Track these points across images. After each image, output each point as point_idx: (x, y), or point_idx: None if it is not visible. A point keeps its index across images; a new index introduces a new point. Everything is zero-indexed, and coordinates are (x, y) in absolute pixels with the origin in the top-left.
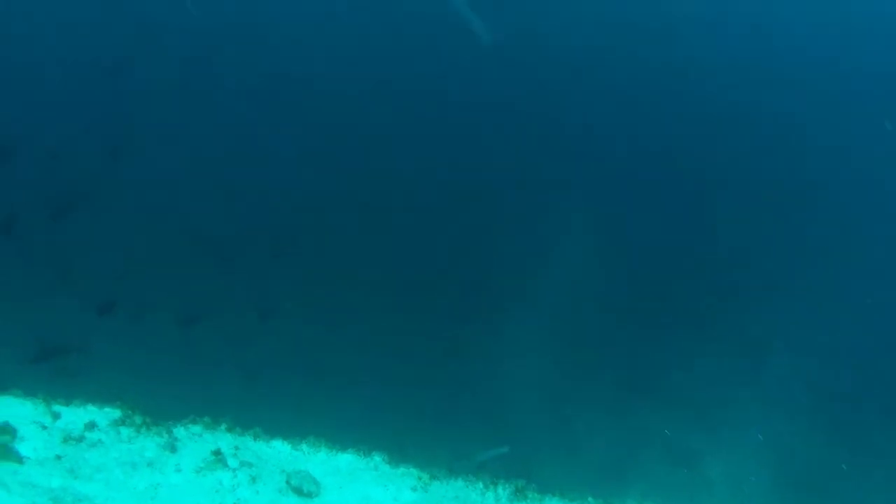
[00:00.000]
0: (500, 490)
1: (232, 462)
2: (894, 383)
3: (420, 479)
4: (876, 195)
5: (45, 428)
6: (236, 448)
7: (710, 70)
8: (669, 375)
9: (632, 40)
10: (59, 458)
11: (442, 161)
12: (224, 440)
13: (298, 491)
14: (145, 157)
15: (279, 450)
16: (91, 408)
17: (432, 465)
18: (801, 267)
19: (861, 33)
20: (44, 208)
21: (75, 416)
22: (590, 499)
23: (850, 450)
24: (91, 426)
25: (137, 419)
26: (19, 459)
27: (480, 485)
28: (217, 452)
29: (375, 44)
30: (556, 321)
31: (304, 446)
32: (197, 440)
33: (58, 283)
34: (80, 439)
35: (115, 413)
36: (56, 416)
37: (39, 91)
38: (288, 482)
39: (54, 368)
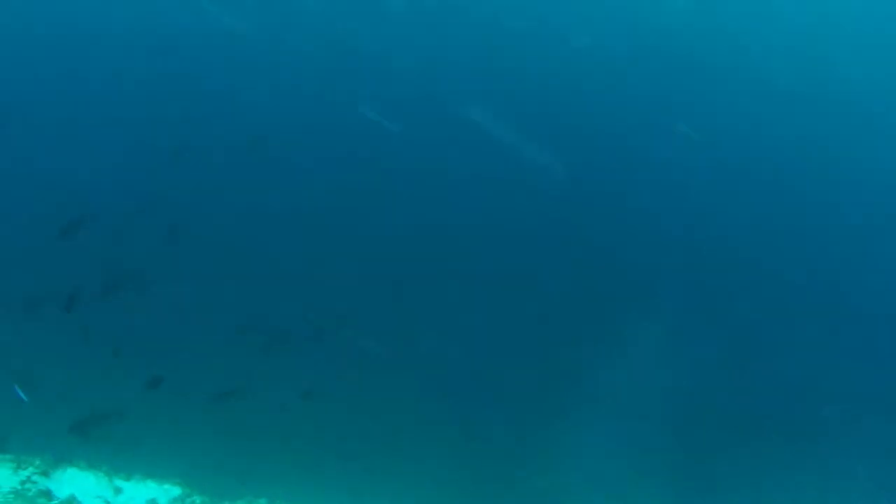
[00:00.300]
0: None
1: None
2: None
3: None
4: None
5: (107, 503)
6: None
7: None
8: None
9: None
10: None
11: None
12: None
13: None
14: (200, 238)
15: None
16: (151, 483)
17: None
18: None
19: None
20: (99, 285)
21: (136, 491)
22: None
23: None
24: (152, 503)
25: (196, 499)
26: None
27: None
28: None
29: None
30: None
31: None
32: None
33: (110, 359)
34: None
35: (175, 490)
36: (118, 490)
37: (104, 170)
38: None
39: (98, 436)
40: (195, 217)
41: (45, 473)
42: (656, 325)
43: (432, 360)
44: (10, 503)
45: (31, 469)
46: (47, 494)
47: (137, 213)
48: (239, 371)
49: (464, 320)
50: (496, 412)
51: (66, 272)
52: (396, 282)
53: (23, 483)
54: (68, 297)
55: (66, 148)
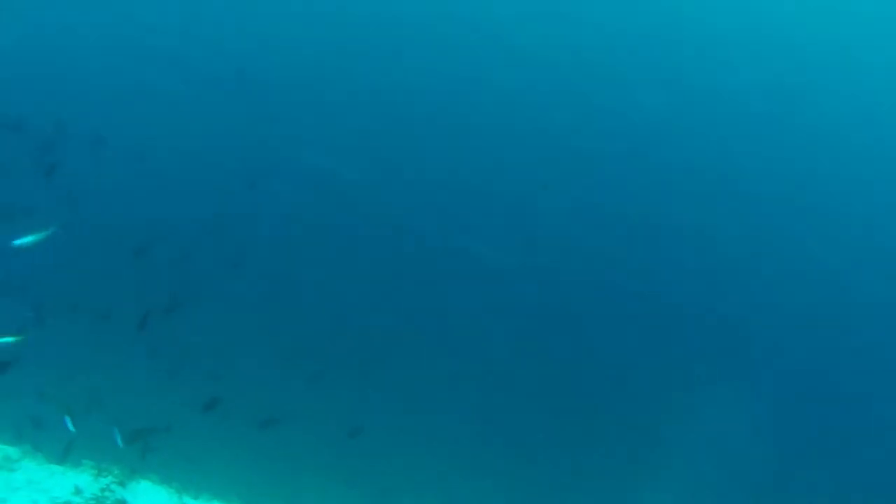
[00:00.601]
0: None
1: None
2: None
3: None
4: None
5: None
6: None
7: None
8: None
9: None
10: None
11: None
12: None
13: None
14: (260, 270)
15: None
16: (216, 503)
17: None
18: None
19: None
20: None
21: None
22: None
23: None
24: None
25: None
26: None
27: None
28: None
29: None
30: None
31: None
32: None
33: (167, 375)
34: None
35: None
36: None
37: (177, 198)
38: None
39: (143, 449)
40: (260, 247)
41: (121, 483)
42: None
43: (485, 403)
44: None
45: (110, 478)
46: None
47: (206, 239)
48: (287, 399)
49: (521, 363)
50: (549, 454)
51: (137, 290)
52: (452, 320)
53: (102, 490)
54: (142, 315)
55: (153, 174)
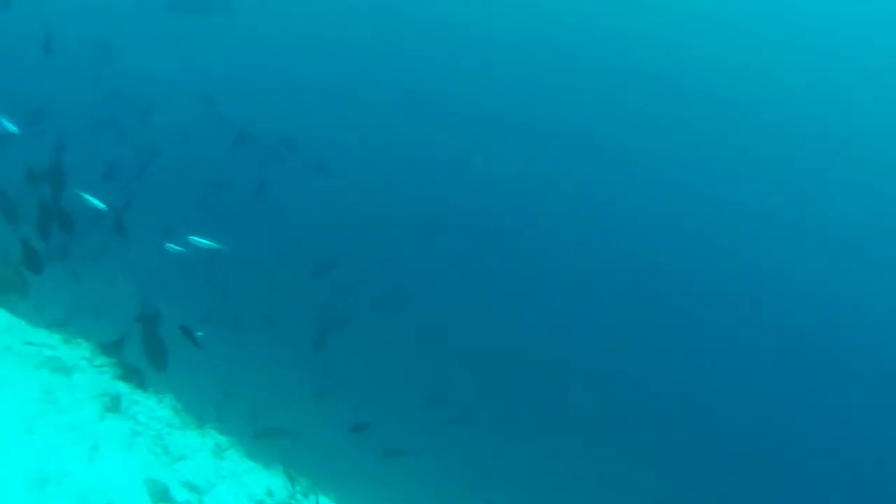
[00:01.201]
0: None
1: None
2: None
3: None
4: None
5: None
6: None
7: None
8: None
9: None
10: None
11: None
12: None
13: None
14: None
15: None
16: None
17: None
18: None
19: None
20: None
21: None
22: None
23: None
24: None
25: None
26: None
27: None
28: None
29: None
30: None
31: None
32: None
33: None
34: None
35: None
36: None
37: (362, 229)
38: None
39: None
40: (425, 290)
41: (305, 494)
42: None
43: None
44: None
45: (298, 487)
46: None
47: (378, 272)
48: (419, 437)
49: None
50: None
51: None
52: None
53: (290, 497)
54: (319, 332)
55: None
